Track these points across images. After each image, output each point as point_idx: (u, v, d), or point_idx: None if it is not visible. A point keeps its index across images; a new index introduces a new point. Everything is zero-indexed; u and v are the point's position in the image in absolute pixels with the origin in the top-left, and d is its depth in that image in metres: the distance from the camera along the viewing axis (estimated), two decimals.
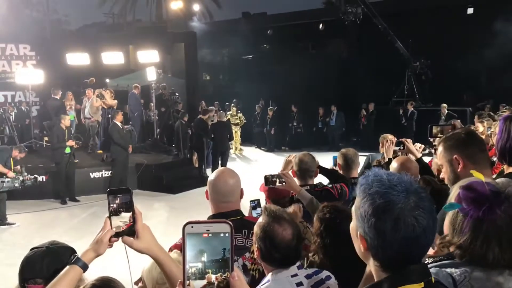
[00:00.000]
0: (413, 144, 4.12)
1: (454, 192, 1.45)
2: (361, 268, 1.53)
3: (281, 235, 2.05)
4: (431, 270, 1.38)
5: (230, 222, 1.25)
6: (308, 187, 3.58)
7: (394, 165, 3.47)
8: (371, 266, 1.30)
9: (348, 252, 1.35)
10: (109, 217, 1.55)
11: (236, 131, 17.37)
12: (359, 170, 4.50)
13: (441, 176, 2.29)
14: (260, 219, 2.15)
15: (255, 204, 3.44)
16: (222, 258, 1.22)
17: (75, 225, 8.53)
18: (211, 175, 2.65)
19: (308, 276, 2.06)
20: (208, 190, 2.58)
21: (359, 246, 1.31)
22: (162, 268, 1.60)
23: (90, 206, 9.66)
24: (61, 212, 9.79)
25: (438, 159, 2.28)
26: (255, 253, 2.14)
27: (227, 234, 1.23)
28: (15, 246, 7.68)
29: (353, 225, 1.33)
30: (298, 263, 2.10)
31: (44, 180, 10.40)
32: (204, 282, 1.21)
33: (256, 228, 2.13)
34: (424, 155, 4.05)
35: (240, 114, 17.85)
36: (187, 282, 1.22)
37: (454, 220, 1.43)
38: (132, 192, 1.58)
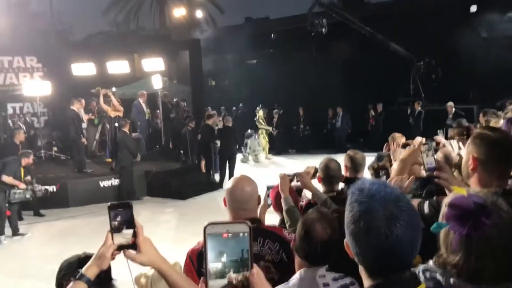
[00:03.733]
0: (414, 138, 4.12)
1: (443, 209, 1.41)
2: None
3: (319, 231, 2.14)
4: (436, 273, 1.38)
5: (248, 223, 1.31)
6: (335, 194, 3.58)
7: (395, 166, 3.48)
8: (360, 272, 1.33)
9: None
10: (111, 232, 1.57)
11: (264, 137, 16.82)
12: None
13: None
14: (308, 214, 2.28)
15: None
16: (241, 258, 1.28)
17: (86, 234, 8.57)
18: (228, 182, 2.69)
19: (334, 279, 2.12)
20: (225, 198, 2.61)
21: (349, 253, 1.34)
22: (166, 279, 1.62)
23: (100, 215, 9.70)
24: (71, 221, 9.86)
25: (465, 149, 2.27)
26: (292, 243, 2.25)
27: (245, 234, 1.29)
28: (27, 257, 7.76)
29: None
30: (326, 266, 2.16)
31: (54, 190, 10.49)
32: (225, 281, 1.27)
33: (300, 220, 2.26)
34: None
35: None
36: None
37: (446, 239, 1.38)
38: (132, 207, 1.59)
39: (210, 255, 1.28)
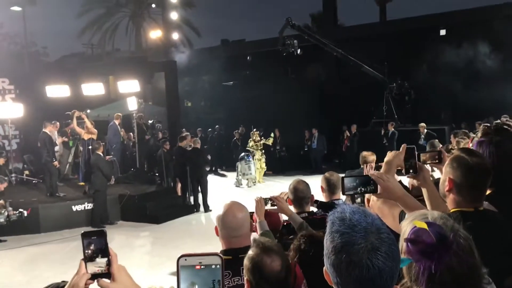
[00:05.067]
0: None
1: (403, 245, 1.40)
2: None
3: (270, 266, 2.04)
4: None
5: (221, 255, 1.35)
6: (306, 214, 3.59)
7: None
8: None
9: (319, 286, 1.38)
10: (84, 260, 1.54)
11: (261, 159, 16.26)
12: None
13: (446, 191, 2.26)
14: (250, 251, 2.13)
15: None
16: None
17: (58, 260, 8.36)
18: (219, 210, 2.60)
19: None
20: (217, 226, 2.54)
21: (328, 280, 1.34)
22: None
23: (73, 240, 9.49)
24: (42, 247, 9.59)
25: (443, 169, 2.29)
26: (245, 286, 2.11)
27: (218, 266, 1.32)
28: None
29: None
30: None
31: (25, 215, 10.22)
32: None
33: (245, 261, 2.10)
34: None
35: (264, 141, 16.58)
36: None
37: (409, 270, 1.38)
38: (106, 235, 1.56)
39: (182, 286, 1.30)
